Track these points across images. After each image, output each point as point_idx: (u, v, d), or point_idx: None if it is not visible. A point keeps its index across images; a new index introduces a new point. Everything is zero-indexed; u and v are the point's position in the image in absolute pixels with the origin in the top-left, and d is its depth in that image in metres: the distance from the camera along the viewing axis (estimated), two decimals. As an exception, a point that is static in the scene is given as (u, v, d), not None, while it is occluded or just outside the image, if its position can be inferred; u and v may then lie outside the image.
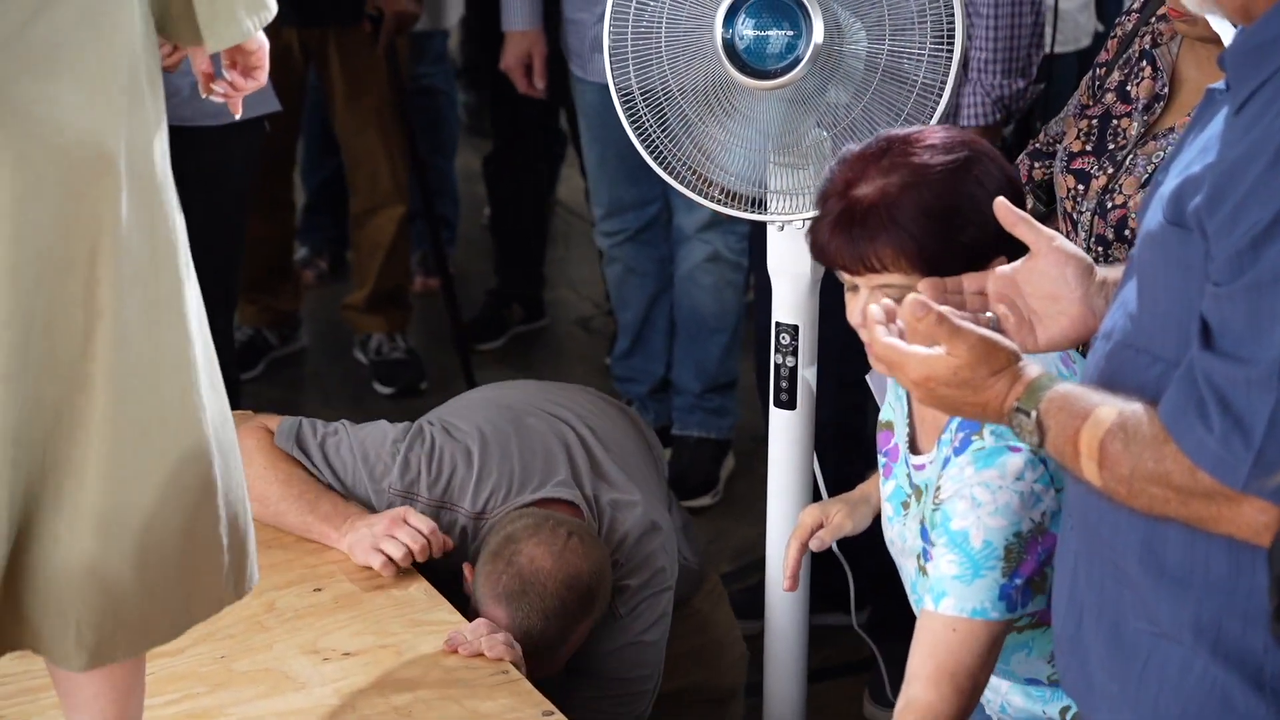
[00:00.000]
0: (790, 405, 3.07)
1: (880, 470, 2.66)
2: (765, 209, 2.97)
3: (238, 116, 2.48)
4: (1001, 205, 2.24)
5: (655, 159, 2.99)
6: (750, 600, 3.61)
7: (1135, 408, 1.86)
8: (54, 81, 2.04)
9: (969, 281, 2.21)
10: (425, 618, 2.95)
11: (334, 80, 5.23)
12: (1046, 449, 1.94)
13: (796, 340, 3.03)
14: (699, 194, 2.99)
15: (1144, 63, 3.00)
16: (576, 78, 4.76)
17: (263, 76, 2.36)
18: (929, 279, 2.18)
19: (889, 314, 2.05)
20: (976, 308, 2.18)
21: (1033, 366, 1.97)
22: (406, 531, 3.02)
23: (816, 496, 3.17)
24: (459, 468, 3.12)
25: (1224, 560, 1.88)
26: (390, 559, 3.01)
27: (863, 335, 2.15)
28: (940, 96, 2.80)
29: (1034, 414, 1.93)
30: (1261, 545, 1.81)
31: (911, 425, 2.58)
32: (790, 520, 3.11)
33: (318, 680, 2.79)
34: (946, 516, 2.40)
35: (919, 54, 2.80)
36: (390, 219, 5.35)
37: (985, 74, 3.62)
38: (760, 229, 3.08)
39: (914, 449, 2.57)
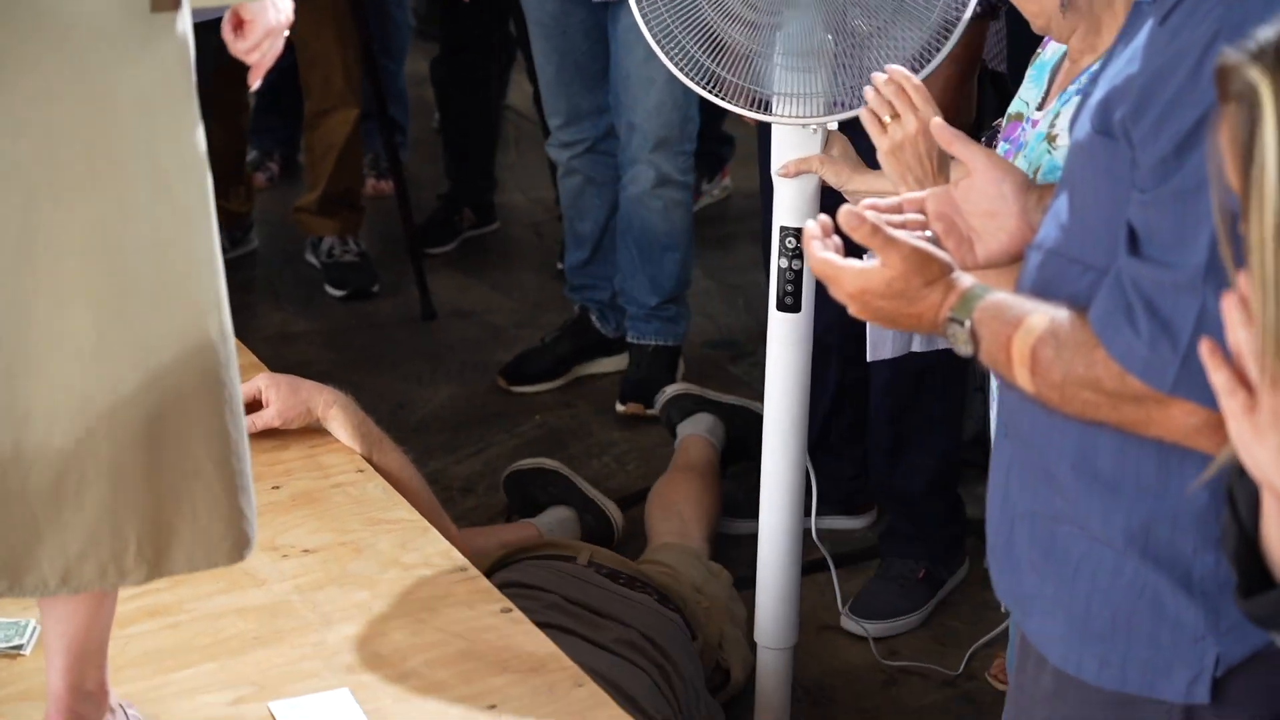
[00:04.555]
0: (795, 308, 3.06)
1: None
2: (770, 110, 2.97)
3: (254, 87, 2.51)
4: (938, 125, 2.27)
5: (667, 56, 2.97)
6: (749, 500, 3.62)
7: (1066, 314, 1.88)
8: None
9: (907, 204, 2.24)
10: (383, 516, 2.98)
11: (289, -20, 5.19)
12: (981, 358, 1.96)
13: (800, 243, 3.02)
14: (708, 91, 2.97)
15: None
16: None
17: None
18: (867, 199, 2.19)
19: (825, 229, 2.06)
20: (915, 227, 2.20)
21: (966, 277, 1.99)
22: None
23: (813, 408, 3.17)
24: None
25: (1153, 466, 1.92)
26: None
27: None
28: None
29: (967, 323, 1.95)
30: (1192, 447, 1.85)
31: (1048, 88, 2.64)
32: (787, 428, 3.11)
33: (277, 576, 2.82)
34: (1054, 165, 2.46)
35: None
36: (344, 121, 5.32)
37: None
38: (766, 129, 3.07)
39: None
